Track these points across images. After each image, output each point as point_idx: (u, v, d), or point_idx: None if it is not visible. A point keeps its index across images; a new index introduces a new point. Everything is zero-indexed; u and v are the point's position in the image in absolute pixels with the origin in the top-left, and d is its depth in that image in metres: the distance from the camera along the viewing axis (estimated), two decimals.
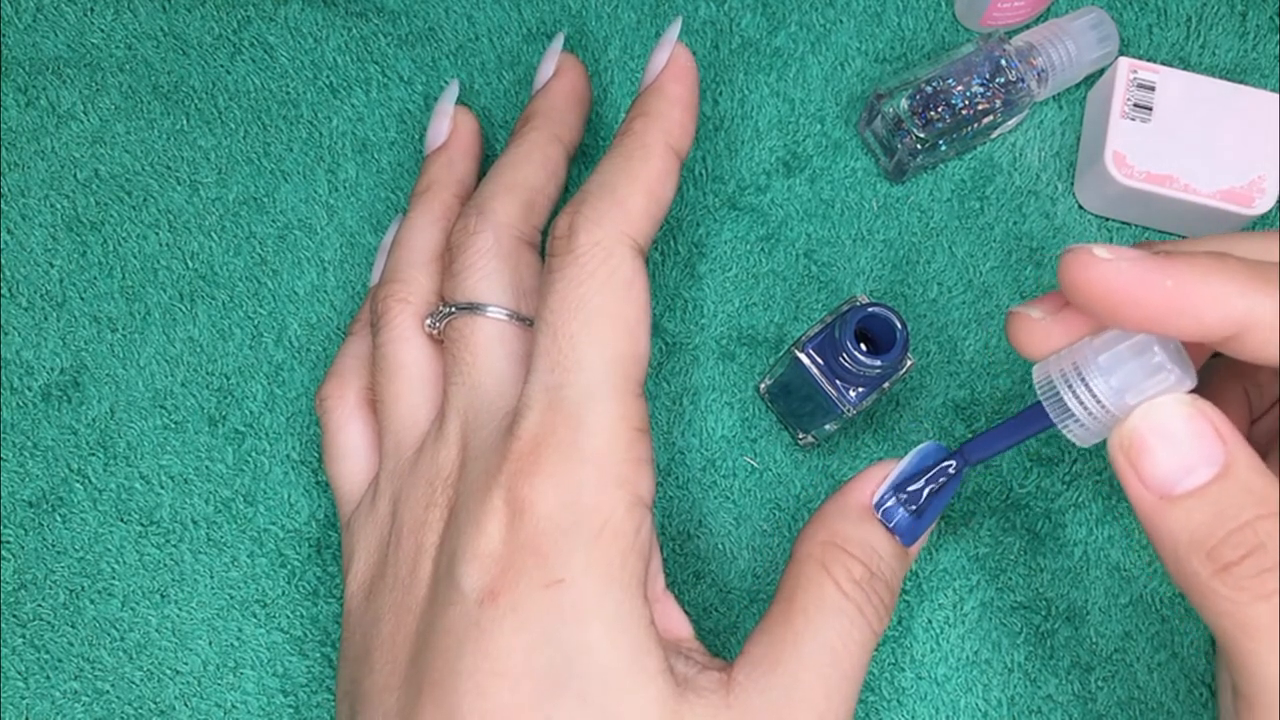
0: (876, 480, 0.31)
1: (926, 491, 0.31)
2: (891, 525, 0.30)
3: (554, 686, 0.27)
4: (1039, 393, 0.27)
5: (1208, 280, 0.24)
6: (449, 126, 0.38)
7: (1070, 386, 0.26)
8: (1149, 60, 0.41)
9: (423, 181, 0.37)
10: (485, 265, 0.32)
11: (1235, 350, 0.25)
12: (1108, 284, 0.24)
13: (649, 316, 0.30)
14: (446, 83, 0.41)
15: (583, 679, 0.27)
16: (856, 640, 0.29)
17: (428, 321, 0.33)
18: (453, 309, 0.32)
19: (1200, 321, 0.24)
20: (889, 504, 0.31)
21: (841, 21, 0.42)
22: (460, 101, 0.41)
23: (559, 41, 0.38)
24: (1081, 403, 0.26)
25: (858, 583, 0.29)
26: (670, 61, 0.32)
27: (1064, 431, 0.27)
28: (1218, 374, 0.32)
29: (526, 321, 0.32)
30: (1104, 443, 0.37)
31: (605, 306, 0.29)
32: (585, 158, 0.41)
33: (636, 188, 0.30)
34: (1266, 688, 0.23)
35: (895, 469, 0.31)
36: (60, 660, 0.37)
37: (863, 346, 0.32)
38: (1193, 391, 0.25)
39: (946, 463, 0.31)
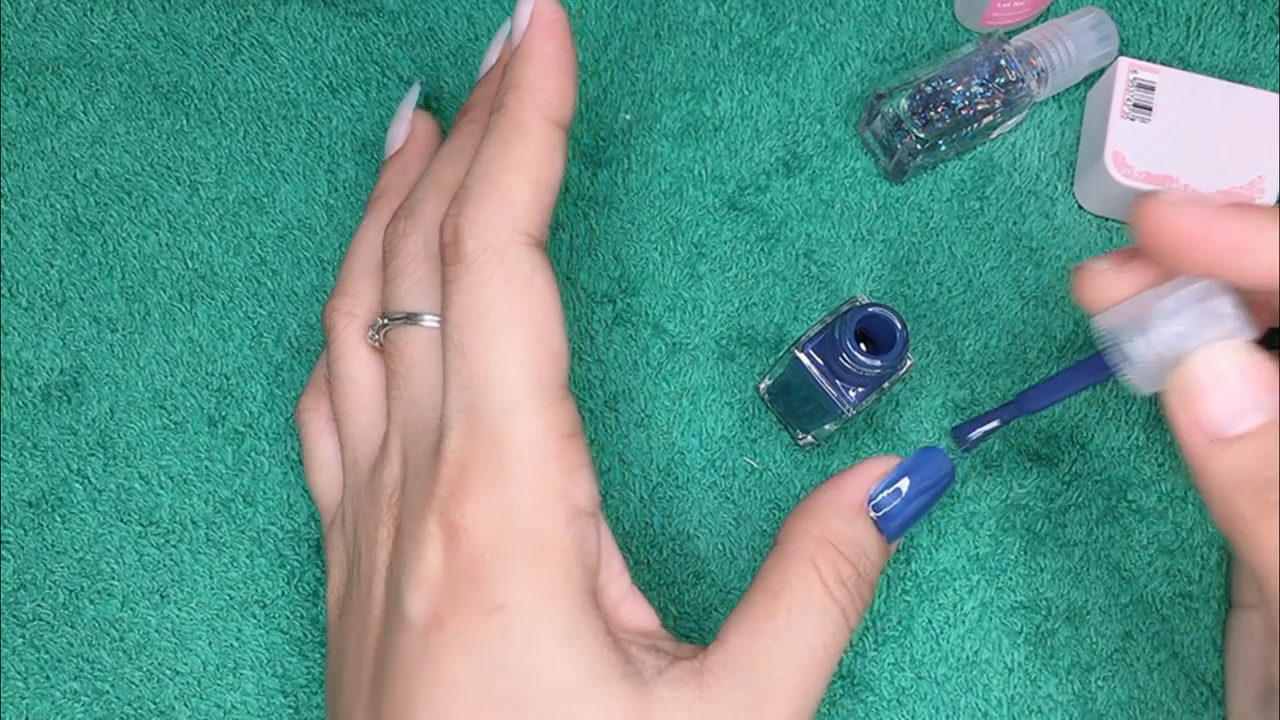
0: (873, 477, 0.30)
1: (990, 426, 0.32)
2: (879, 519, 0.30)
3: (514, 708, 0.26)
4: (1100, 341, 0.28)
5: (1271, 225, 0.25)
6: (406, 131, 0.37)
7: (1133, 333, 0.27)
8: (1149, 60, 0.41)
9: (376, 188, 0.36)
10: (415, 271, 0.31)
11: None
12: (1179, 225, 0.26)
13: (558, 311, 0.28)
14: (444, 83, 0.41)
15: (541, 700, 0.26)
16: (836, 641, 0.28)
17: (370, 333, 0.32)
18: (388, 320, 0.31)
19: (1260, 265, 0.25)
20: (881, 500, 0.30)
21: (841, 21, 0.42)
22: (454, 103, 0.41)
23: (505, 29, 0.36)
24: (1143, 349, 0.27)
25: (844, 584, 0.29)
26: (533, 17, 0.28)
27: (1123, 379, 0.28)
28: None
29: None
30: (1100, 444, 0.37)
31: (507, 313, 0.27)
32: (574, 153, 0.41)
33: (519, 176, 0.28)
34: None
35: (894, 468, 0.31)
36: (60, 660, 0.37)
37: (863, 346, 0.32)
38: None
39: (1005, 407, 0.32)
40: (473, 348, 0.27)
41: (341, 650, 0.31)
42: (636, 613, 0.30)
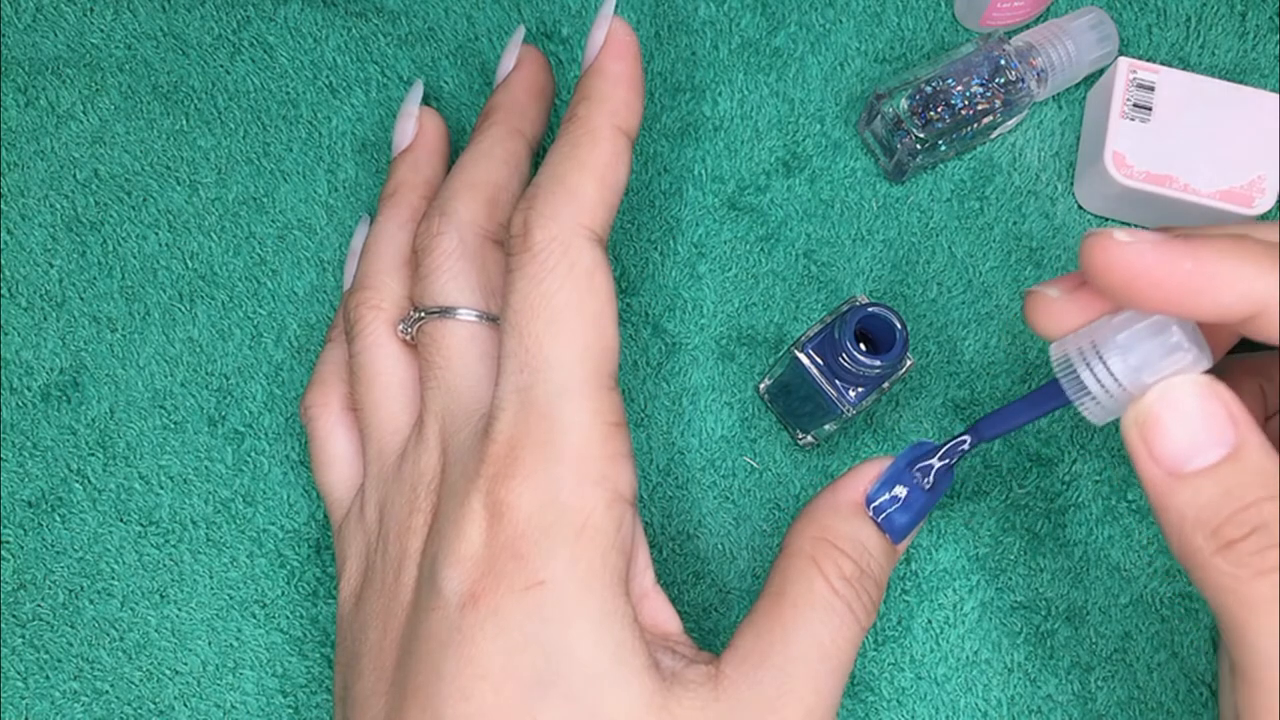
0: (869, 477, 0.31)
1: (939, 467, 0.30)
2: (881, 521, 0.30)
3: (538, 687, 0.27)
4: (1056, 370, 0.28)
5: (1226, 261, 0.24)
6: (414, 128, 0.37)
7: (1088, 364, 0.27)
8: (1149, 60, 0.41)
9: (390, 185, 0.37)
10: (451, 267, 0.32)
11: (1253, 331, 0.25)
12: (1129, 266, 0.25)
13: (614, 306, 0.29)
14: (444, 83, 0.41)
15: (567, 679, 0.27)
16: (845, 637, 0.28)
17: (400, 327, 0.33)
18: (423, 314, 0.32)
19: (1218, 302, 0.24)
20: (880, 500, 0.30)
21: (841, 21, 0.42)
22: (454, 103, 0.41)
23: (519, 35, 0.37)
24: (1099, 381, 0.26)
25: (848, 580, 0.29)
26: (608, 38, 0.31)
27: (1080, 408, 0.27)
28: (1234, 369, 0.32)
29: (497, 320, 0.32)
30: (1100, 444, 0.37)
31: (568, 302, 0.28)
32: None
33: (587, 176, 0.29)
34: (1263, 661, 0.24)
35: (887, 466, 0.31)
36: (60, 660, 0.37)
37: (862, 346, 0.32)
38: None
39: (961, 438, 0.30)
40: (531, 333, 0.28)
41: (358, 639, 0.31)
42: (658, 612, 0.30)
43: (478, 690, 0.27)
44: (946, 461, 0.31)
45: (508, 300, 0.29)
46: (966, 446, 0.30)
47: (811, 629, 0.28)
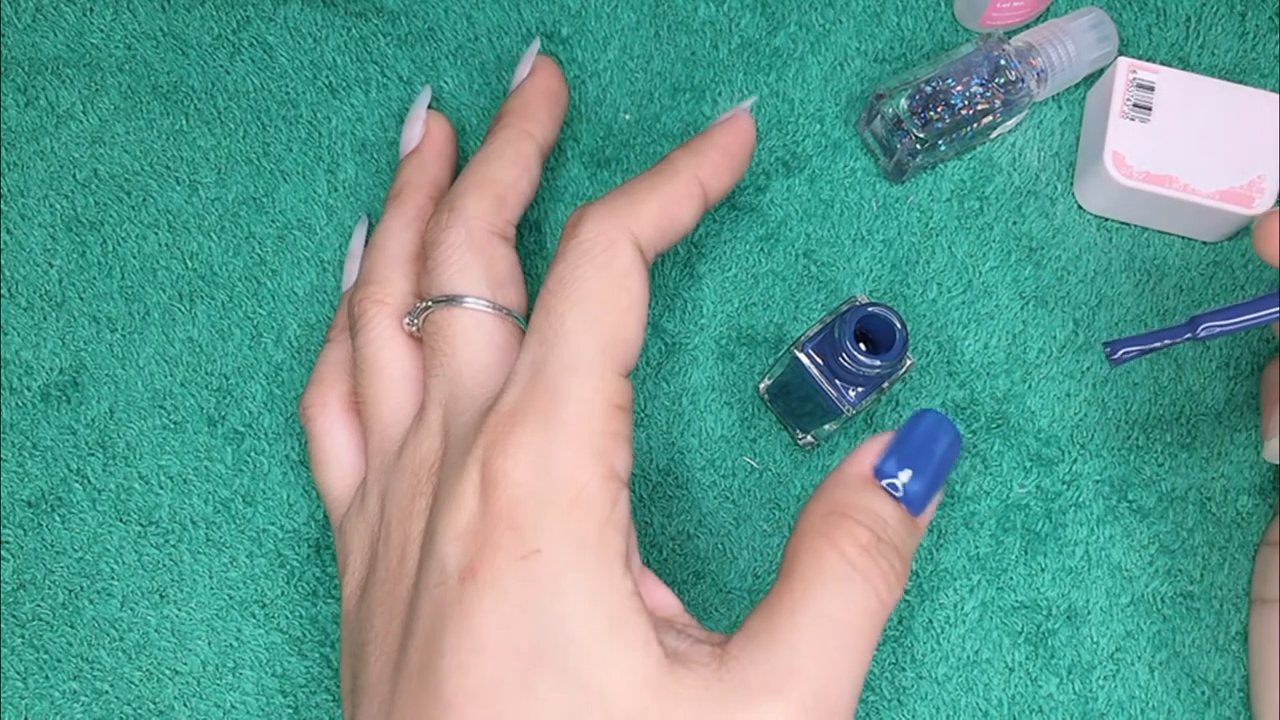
0: (875, 450, 0.29)
1: (1151, 346, 0.30)
2: (899, 496, 0.28)
3: (535, 660, 0.26)
4: None
5: None
6: (421, 130, 0.38)
7: None
8: (1148, 60, 0.41)
9: (396, 184, 0.38)
10: (459, 258, 0.33)
11: None
12: None
13: (643, 310, 0.30)
14: (444, 83, 0.42)
15: (562, 651, 0.26)
16: (860, 609, 0.27)
17: (406, 320, 0.34)
18: (429, 304, 0.33)
19: None
20: (890, 472, 0.29)
21: (841, 21, 0.42)
22: (454, 103, 0.41)
23: (535, 45, 0.39)
24: None
25: (864, 548, 0.27)
26: (735, 119, 0.34)
27: None
28: None
29: (503, 311, 0.33)
30: (1100, 444, 0.37)
31: (598, 289, 0.29)
32: (561, 153, 0.41)
33: (652, 196, 0.31)
34: None
35: (891, 438, 0.29)
36: (59, 660, 0.37)
37: (862, 346, 0.32)
38: None
39: (1185, 333, 0.30)
40: (558, 311, 0.29)
41: (364, 629, 0.31)
42: (654, 594, 0.30)
43: (476, 663, 0.27)
44: (1145, 348, 0.30)
45: (545, 282, 0.30)
46: (1174, 339, 0.30)
47: (820, 603, 0.27)
